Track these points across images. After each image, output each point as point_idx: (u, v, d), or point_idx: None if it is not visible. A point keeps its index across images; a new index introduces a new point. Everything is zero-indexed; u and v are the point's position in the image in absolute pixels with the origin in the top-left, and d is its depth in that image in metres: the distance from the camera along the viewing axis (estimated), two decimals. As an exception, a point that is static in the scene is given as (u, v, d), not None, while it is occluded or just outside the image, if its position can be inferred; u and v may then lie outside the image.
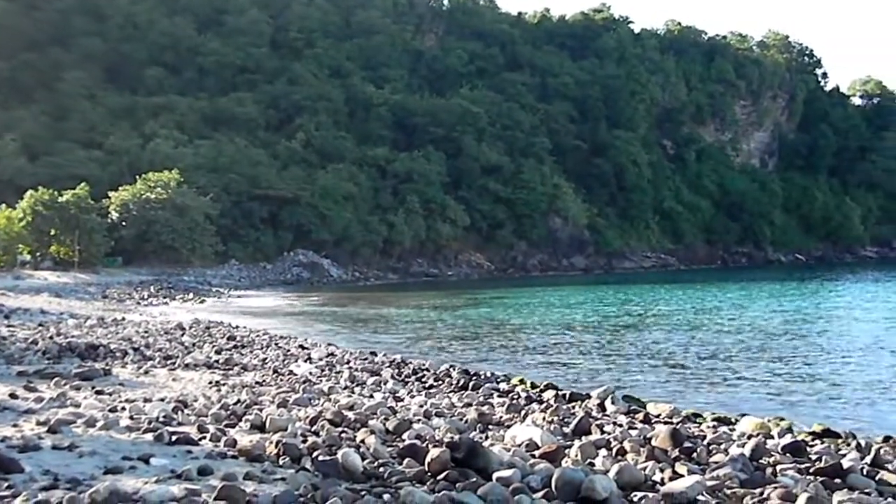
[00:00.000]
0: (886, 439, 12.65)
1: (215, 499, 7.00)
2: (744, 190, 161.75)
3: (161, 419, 10.80)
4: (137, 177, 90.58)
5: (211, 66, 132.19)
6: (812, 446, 11.48)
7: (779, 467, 9.55)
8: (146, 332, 27.54)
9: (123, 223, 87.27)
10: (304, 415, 11.93)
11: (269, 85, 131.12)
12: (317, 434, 10.34)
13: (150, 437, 9.62)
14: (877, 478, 9.24)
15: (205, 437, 9.88)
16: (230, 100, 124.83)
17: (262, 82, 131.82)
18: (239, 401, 13.12)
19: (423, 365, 20.98)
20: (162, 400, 12.88)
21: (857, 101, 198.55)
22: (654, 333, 33.55)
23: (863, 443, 11.98)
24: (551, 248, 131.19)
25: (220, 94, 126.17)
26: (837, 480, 8.89)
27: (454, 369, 20.20)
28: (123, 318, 33.92)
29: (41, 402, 11.73)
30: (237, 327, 32.75)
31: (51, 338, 22.43)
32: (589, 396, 15.99)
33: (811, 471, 9.28)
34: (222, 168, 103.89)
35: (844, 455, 10.61)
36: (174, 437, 9.57)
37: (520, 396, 16.19)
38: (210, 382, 15.99)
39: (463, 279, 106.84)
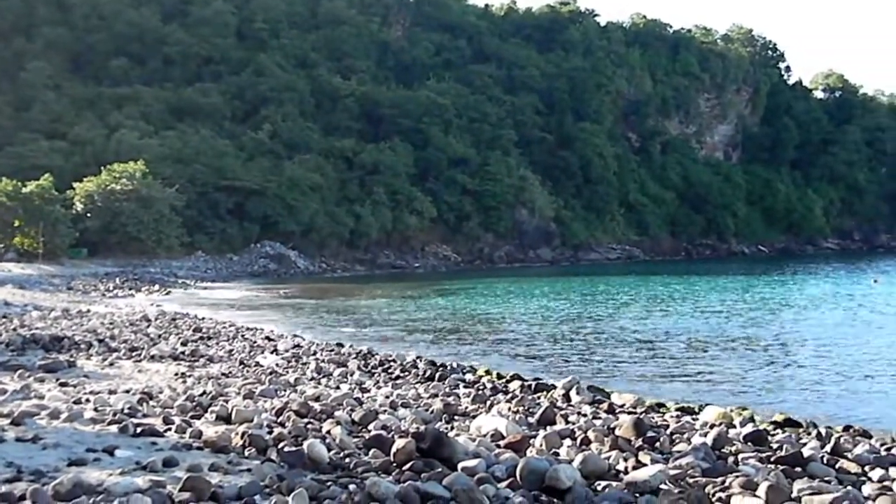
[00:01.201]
0: (846, 428, 12.85)
1: (180, 490, 7.00)
2: (708, 182, 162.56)
3: (126, 411, 10.77)
4: (102, 168, 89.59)
5: (176, 57, 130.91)
6: (773, 435, 11.65)
7: (740, 456, 9.68)
8: (111, 323, 27.35)
9: (88, 214, 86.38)
10: (270, 406, 11.95)
11: (234, 76, 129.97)
12: (283, 425, 10.36)
13: (114, 428, 9.60)
14: (836, 466, 9.39)
15: (170, 429, 9.87)
16: (195, 90, 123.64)
17: (228, 73, 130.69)
18: (205, 392, 13.10)
19: (390, 356, 21.03)
20: (127, 392, 12.84)
21: (819, 94, 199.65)
22: (619, 324, 33.76)
23: (823, 432, 12.15)
24: (518, 240, 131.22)
25: (185, 85, 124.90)
26: (798, 469, 9.01)
27: (420, 360, 20.28)
28: (88, 310, 33.66)
29: (5, 395, 11.66)
30: (203, 319, 32.55)
31: (14, 329, 22.25)
32: (554, 387, 16.11)
33: (772, 459, 9.41)
34: (188, 159, 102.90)
35: (805, 444, 10.77)
36: (139, 429, 9.56)
37: (485, 387, 16.29)
38: (176, 374, 15.95)
39: (430, 271, 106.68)
